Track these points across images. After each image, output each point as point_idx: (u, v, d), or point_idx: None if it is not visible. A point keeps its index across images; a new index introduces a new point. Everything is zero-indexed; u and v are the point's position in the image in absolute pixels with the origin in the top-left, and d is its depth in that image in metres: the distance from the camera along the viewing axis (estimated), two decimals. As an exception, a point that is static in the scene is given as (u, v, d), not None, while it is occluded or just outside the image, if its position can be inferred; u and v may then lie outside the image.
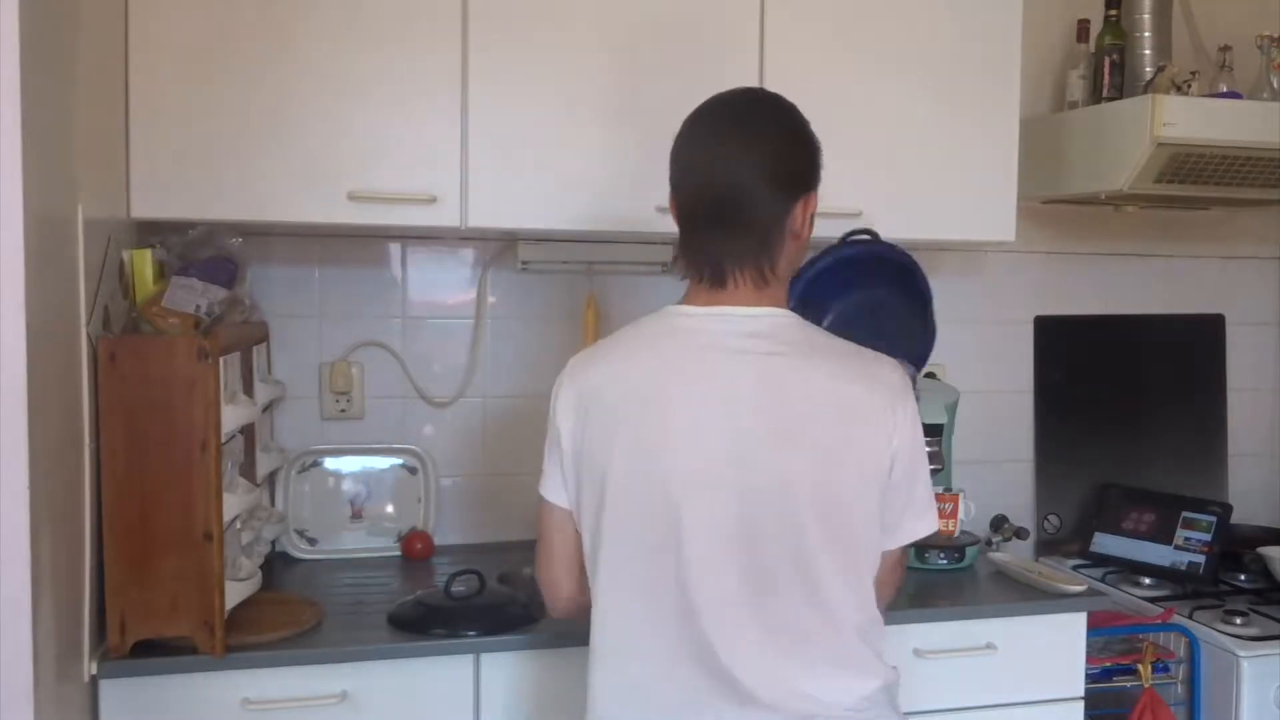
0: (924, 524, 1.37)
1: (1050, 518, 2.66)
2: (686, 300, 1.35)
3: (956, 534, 2.21)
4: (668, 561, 1.27)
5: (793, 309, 1.35)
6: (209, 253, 1.86)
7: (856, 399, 1.28)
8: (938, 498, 1.54)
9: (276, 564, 2.15)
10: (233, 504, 1.71)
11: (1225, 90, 2.35)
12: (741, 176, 1.27)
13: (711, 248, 1.30)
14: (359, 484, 2.27)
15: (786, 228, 1.30)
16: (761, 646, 1.28)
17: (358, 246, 2.27)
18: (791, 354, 1.28)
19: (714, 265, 1.30)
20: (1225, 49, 2.45)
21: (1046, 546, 2.64)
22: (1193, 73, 2.32)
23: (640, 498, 1.28)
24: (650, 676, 1.30)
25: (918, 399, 1.37)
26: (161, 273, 1.80)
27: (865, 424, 1.27)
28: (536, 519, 1.43)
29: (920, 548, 2.15)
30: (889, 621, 1.39)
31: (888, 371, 1.31)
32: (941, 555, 2.17)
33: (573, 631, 1.81)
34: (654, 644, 1.30)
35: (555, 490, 1.39)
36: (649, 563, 1.29)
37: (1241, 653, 2.08)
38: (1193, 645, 2.17)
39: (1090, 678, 2.06)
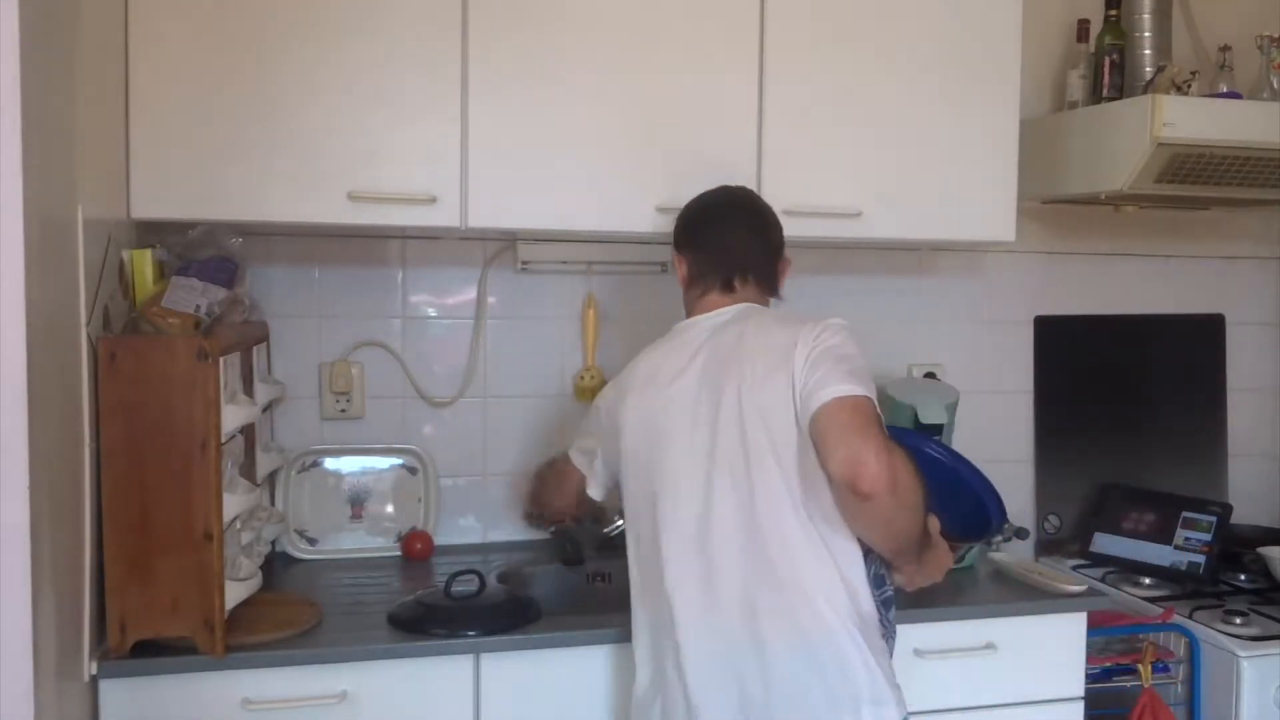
0: (840, 388, 1.48)
1: (1050, 518, 2.66)
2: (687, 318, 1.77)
3: (957, 534, 2.21)
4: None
5: None
6: (209, 253, 1.86)
7: (779, 338, 1.57)
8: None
9: (276, 564, 2.15)
10: (233, 504, 1.71)
11: (1225, 90, 2.35)
12: (756, 255, 1.77)
13: (724, 268, 1.75)
14: (359, 484, 2.28)
15: (776, 274, 1.81)
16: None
17: (358, 246, 2.27)
18: (733, 322, 1.67)
19: (727, 278, 1.75)
20: (1225, 49, 2.45)
21: (1046, 547, 2.64)
22: (1193, 73, 2.32)
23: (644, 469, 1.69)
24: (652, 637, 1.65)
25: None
26: (161, 273, 1.80)
27: (785, 351, 1.55)
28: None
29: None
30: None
31: (812, 318, 1.60)
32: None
33: (573, 632, 1.82)
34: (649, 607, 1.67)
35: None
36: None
37: (1241, 653, 2.08)
38: (1193, 645, 2.17)
39: (1090, 678, 2.06)
